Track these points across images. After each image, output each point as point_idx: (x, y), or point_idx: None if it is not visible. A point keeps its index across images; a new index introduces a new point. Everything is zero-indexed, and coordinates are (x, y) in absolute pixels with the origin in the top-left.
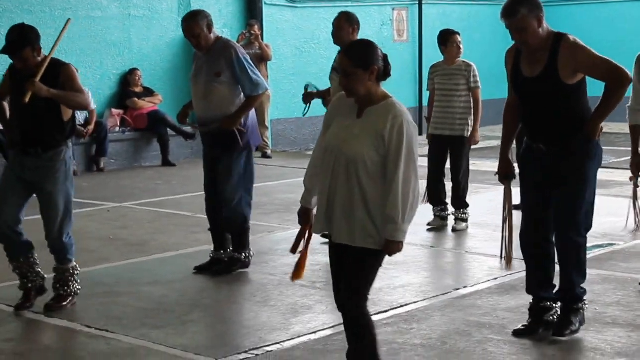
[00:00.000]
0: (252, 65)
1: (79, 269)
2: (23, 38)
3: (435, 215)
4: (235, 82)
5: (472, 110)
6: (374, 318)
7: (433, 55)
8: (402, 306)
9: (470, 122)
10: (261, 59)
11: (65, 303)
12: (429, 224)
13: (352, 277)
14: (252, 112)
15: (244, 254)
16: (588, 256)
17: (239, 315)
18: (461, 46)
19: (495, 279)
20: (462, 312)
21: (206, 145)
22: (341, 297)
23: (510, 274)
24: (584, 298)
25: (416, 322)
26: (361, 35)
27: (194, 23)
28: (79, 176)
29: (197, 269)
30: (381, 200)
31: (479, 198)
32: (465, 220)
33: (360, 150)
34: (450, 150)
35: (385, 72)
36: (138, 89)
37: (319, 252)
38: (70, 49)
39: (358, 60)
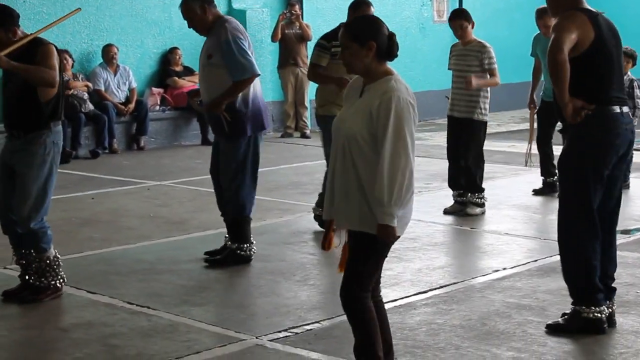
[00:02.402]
0: (242, 47)
1: (59, 259)
2: None
3: (454, 200)
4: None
5: (485, 92)
6: (414, 298)
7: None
8: (441, 287)
9: (482, 105)
10: (301, 38)
11: (43, 296)
12: (445, 209)
13: (351, 264)
14: (257, 97)
15: (239, 247)
16: (629, 239)
17: (279, 293)
18: (465, 27)
19: (535, 260)
20: (502, 293)
21: (212, 129)
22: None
23: (550, 256)
24: None
25: (455, 303)
26: (401, 15)
27: (185, 6)
28: (119, 154)
29: (207, 253)
30: (370, 181)
31: (517, 180)
32: (480, 205)
33: (353, 129)
34: (463, 133)
35: (389, 52)
36: (178, 68)
37: None
38: (112, 27)
39: (355, 34)
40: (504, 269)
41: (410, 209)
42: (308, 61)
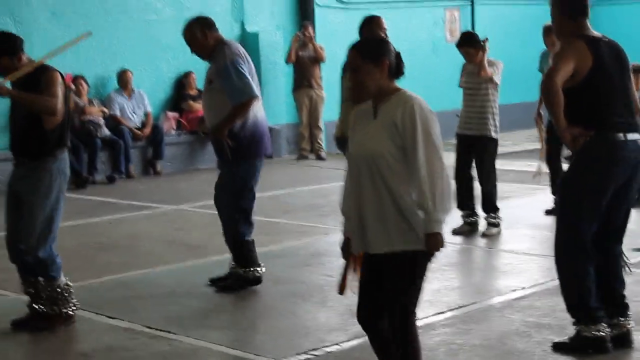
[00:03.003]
0: (240, 70)
1: (71, 287)
2: None
3: (463, 220)
4: None
5: (495, 109)
6: (432, 319)
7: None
8: (460, 307)
9: (493, 122)
10: (315, 60)
11: (55, 325)
12: (453, 230)
13: (397, 291)
14: (258, 121)
15: (245, 270)
16: None
17: (298, 315)
18: (471, 54)
19: (554, 279)
20: (521, 312)
21: (215, 154)
22: (373, 314)
23: None
24: None
25: (475, 323)
26: (414, 36)
27: (187, 32)
28: (136, 179)
29: (212, 280)
30: (408, 194)
31: (533, 199)
32: (496, 225)
33: (377, 146)
34: (474, 151)
35: (397, 69)
36: (193, 92)
37: None
38: (126, 52)
39: (368, 53)
40: (523, 288)
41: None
42: (322, 82)
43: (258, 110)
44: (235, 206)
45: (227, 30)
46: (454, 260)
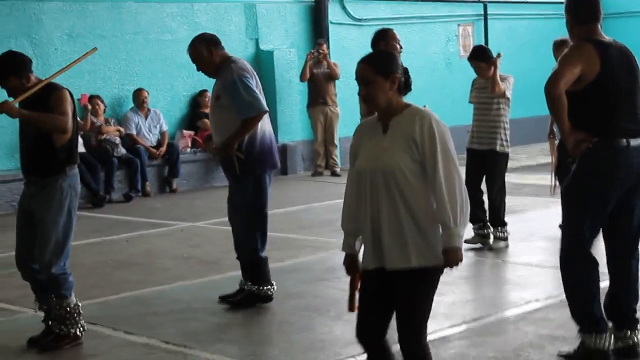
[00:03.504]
0: (249, 85)
1: (80, 307)
2: (4, 67)
3: (474, 232)
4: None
5: (506, 124)
6: (448, 332)
7: (499, 69)
8: (475, 319)
9: (504, 137)
10: (330, 77)
11: (62, 344)
12: (466, 241)
13: (410, 309)
14: (266, 136)
15: (258, 287)
16: None
17: (313, 329)
18: (481, 67)
19: None
20: (535, 325)
21: (223, 171)
22: (399, 334)
23: None
24: None
25: (489, 335)
26: (427, 51)
27: (193, 49)
28: (152, 197)
29: (221, 297)
30: (427, 209)
31: (548, 212)
32: (504, 239)
33: (395, 161)
34: (485, 165)
35: (406, 84)
36: (208, 110)
37: None
38: (142, 72)
39: (379, 67)
40: (537, 300)
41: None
42: (337, 99)
43: (266, 125)
44: (248, 222)
45: (241, 48)
46: (468, 273)
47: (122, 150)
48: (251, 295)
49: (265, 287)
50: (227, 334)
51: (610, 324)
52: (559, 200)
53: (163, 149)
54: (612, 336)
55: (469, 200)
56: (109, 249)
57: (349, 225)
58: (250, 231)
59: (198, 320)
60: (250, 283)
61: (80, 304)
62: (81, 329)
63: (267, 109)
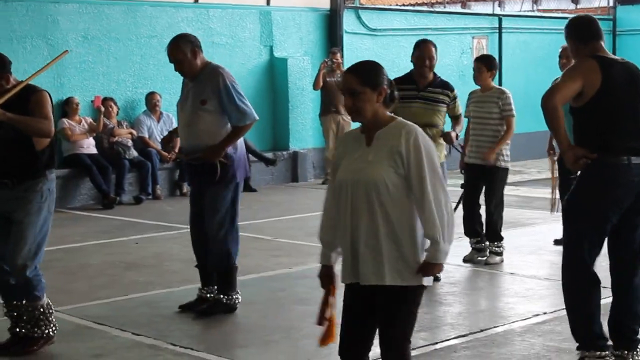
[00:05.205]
0: (241, 93)
1: (52, 308)
2: None
3: (471, 247)
4: (221, 111)
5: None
6: (454, 342)
7: (513, 82)
8: (481, 330)
9: (504, 152)
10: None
11: (35, 347)
12: (464, 258)
13: (391, 326)
14: (241, 143)
15: (228, 297)
16: None
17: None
18: (482, 71)
19: None
20: (542, 337)
21: (190, 177)
22: (382, 350)
23: None
24: None
25: (496, 347)
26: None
27: (176, 47)
28: (162, 200)
29: (182, 307)
30: (408, 223)
31: (557, 226)
32: (499, 254)
33: (378, 174)
34: (484, 180)
35: (392, 97)
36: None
37: None
38: (155, 76)
39: (366, 78)
40: (544, 313)
41: None
42: None
43: None
44: (228, 229)
45: (255, 55)
46: (475, 285)
47: (134, 153)
48: (219, 304)
49: (235, 297)
50: (234, 336)
51: (610, 342)
52: (554, 214)
53: (174, 152)
54: (612, 356)
55: (454, 218)
56: (118, 251)
57: (326, 235)
58: (231, 238)
59: (205, 323)
60: (218, 292)
61: (52, 304)
62: (53, 328)
63: (257, 117)
